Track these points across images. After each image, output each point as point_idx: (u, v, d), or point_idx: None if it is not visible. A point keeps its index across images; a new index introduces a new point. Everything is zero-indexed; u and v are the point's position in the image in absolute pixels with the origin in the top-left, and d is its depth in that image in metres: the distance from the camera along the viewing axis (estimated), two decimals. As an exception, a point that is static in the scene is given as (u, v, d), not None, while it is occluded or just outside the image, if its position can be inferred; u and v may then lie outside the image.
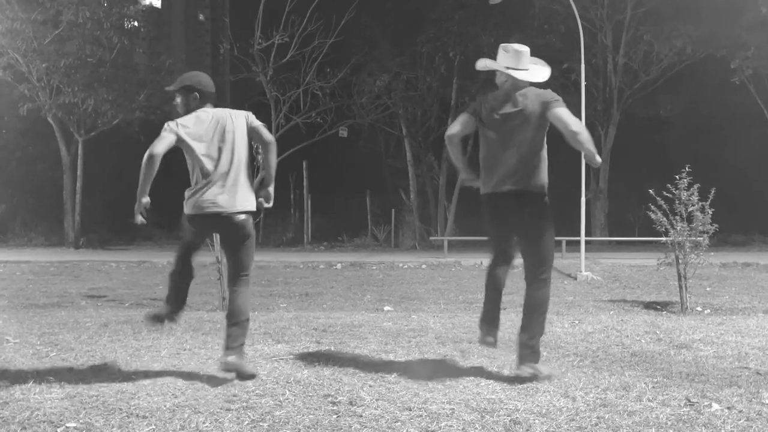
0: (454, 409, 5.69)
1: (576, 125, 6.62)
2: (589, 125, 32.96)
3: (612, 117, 38.95)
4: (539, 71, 7.05)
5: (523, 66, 6.92)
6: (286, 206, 44.14)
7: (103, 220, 41.50)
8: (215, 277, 13.17)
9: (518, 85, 6.88)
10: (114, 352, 8.10)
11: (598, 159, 6.79)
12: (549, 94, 6.78)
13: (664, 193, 12.16)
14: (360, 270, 22.40)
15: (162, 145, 6.57)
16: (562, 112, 6.66)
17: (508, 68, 6.90)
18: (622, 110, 39.36)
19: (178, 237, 7.25)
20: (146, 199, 6.74)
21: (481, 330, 7.03)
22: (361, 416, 5.53)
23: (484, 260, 7.15)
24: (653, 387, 6.41)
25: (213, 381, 6.62)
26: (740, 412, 5.65)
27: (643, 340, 8.91)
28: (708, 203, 12.18)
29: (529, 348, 6.81)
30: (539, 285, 6.93)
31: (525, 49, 6.97)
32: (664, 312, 12.29)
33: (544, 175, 6.90)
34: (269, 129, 7.80)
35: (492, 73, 7.13)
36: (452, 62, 40.04)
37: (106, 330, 9.79)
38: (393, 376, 6.81)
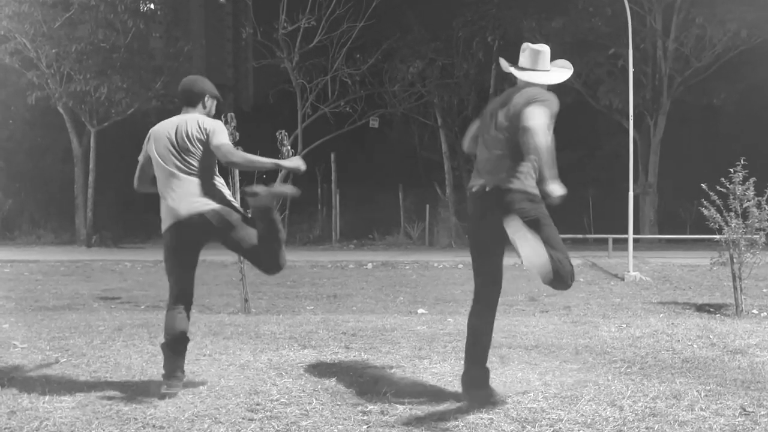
0: (492, 419, 5.69)
1: (530, 121, 5.85)
2: (638, 115, 32.78)
3: (662, 106, 38.68)
4: (551, 74, 6.76)
5: (541, 66, 6.69)
6: (313, 202, 44.11)
7: (117, 216, 41.47)
8: (237, 278, 13.25)
9: (522, 85, 6.51)
10: (129, 358, 8.15)
11: (555, 189, 5.76)
12: (536, 91, 6.22)
13: (718, 187, 12.13)
14: (392, 270, 22.42)
15: None
16: (529, 109, 5.97)
17: (522, 69, 6.68)
18: (673, 99, 39.04)
19: None
20: None
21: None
22: (394, 427, 5.53)
23: (517, 261, 6.86)
24: (706, 395, 6.38)
25: (231, 389, 6.65)
26: (800, 423, 5.64)
27: (695, 345, 8.88)
28: (765, 198, 12.13)
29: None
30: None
31: (543, 48, 6.74)
32: (718, 315, 12.26)
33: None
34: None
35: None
36: (490, 47, 39.90)
37: (120, 334, 9.86)
38: (427, 383, 6.82)
